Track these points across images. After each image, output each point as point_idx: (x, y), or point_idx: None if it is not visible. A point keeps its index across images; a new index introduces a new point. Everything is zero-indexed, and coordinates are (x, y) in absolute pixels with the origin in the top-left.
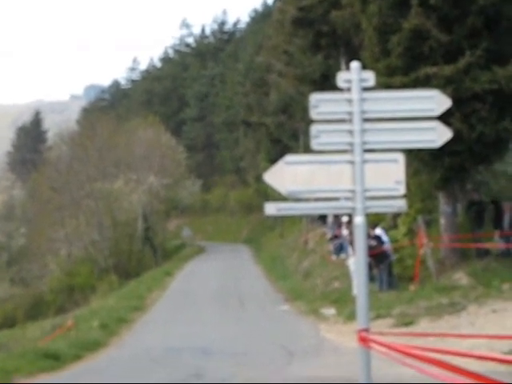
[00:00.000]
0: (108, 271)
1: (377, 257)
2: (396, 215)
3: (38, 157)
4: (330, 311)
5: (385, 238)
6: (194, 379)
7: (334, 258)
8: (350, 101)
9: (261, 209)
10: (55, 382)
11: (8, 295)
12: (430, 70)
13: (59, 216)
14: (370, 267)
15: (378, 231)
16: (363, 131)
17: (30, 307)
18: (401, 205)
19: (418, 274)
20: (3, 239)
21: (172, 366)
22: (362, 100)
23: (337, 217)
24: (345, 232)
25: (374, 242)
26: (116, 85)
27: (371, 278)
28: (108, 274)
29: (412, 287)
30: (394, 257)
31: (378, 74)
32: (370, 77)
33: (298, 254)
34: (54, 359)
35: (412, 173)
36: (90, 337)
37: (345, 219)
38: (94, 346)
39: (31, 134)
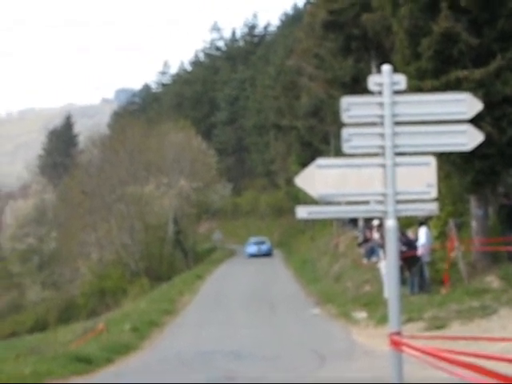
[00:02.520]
0: (139, 275)
1: (408, 260)
2: (427, 218)
3: (69, 161)
4: (361, 315)
5: (426, 238)
6: (226, 382)
7: (365, 261)
8: (381, 104)
9: (291, 212)
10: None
11: (40, 299)
12: (461, 73)
13: (90, 220)
14: (402, 270)
15: (423, 231)
16: (394, 134)
17: (61, 311)
18: (432, 208)
19: (449, 278)
20: (35, 243)
21: (203, 370)
22: (394, 103)
23: (367, 220)
24: (376, 235)
25: (404, 248)
26: (147, 88)
27: (403, 281)
28: (139, 277)
29: (443, 290)
30: (428, 258)
31: (409, 77)
32: (401, 80)
33: (329, 257)
34: (86, 363)
35: (443, 176)
36: (122, 340)
37: (375, 223)
38: (125, 349)
39: (62, 137)
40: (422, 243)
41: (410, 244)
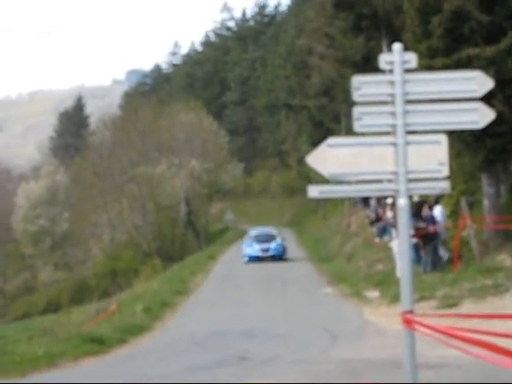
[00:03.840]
0: (151, 255)
1: (424, 238)
2: (438, 197)
3: (80, 142)
4: (374, 294)
5: (441, 217)
6: (238, 361)
7: (377, 240)
8: (392, 83)
9: (303, 192)
10: (100, 365)
11: (52, 280)
12: (472, 51)
13: (102, 201)
14: (418, 248)
15: (438, 209)
16: (406, 113)
17: (73, 292)
18: (444, 186)
19: (460, 256)
20: (47, 224)
21: (216, 350)
22: (405, 82)
23: (380, 199)
24: (389, 214)
25: (423, 224)
26: (157, 69)
27: (419, 260)
28: (151, 258)
29: (454, 269)
30: (443, 236)
31: (420, 55)
32: (412, 58)
33: (341, 236)
34: (99, 343)
35: (454, 154)
36: (134, 321)
37: (389, 201)
38: (138, 330)
39: (73, 119)
40: (438, 221)
41: (430, 221)
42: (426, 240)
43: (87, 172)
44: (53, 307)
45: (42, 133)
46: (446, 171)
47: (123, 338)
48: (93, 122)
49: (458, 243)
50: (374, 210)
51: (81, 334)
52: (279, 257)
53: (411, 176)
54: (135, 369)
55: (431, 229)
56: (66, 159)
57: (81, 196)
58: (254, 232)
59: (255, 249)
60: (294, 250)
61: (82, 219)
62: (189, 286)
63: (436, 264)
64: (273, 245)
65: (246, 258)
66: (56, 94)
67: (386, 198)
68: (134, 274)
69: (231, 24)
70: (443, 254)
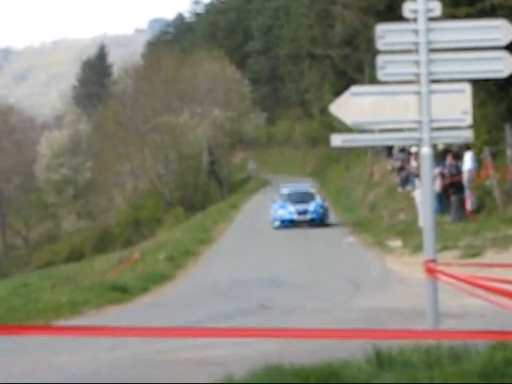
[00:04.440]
0: (174, 204)
1: (452, 186)
2: (462, 146)
3: (103, 91)
4: (396, 243)
5: (472, 164)
6: (261, 310)
7: (399, 189)
8: (416, 31)
9: (326, 141)
10: (123, 313)
11: (75, 229)
12: (496, 0)
13: (125, 150)
14: (441, 198)
15: (468, 156)
16: (430, 62)
17: (96, 240)
18: (467, 135)
19: (482, 206)
20: (69, 173)
21: (239, 299)
22: (429, 30)
23: (403, 149)
24: (413, 163)
25: (454, 170)
26: (180, 18)
27: (442, 209)
28: (174, 207)
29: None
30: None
31: (444, 4)
32: (436, 7)
33: (364, 186)
34: (122, 292)
35: (478, 104)
36: (157, 270)
37: (413, 150)
38: (160, 278)
39: (96, 68)
40: (469, 168)
41: (455, 169)
42: (453, 189)
43: (110, 121)
44: (76, 256)
45: (65, 82)
46: (469, 120)
47: (146, 287)
48: (115, 71)
49: (473, 192)
50: (396, 160)
51: (104, 282)
52: (320, 221)
53: (435, 125)
54: (158, 317)
55: (458, 178)
56: (88, 108)
57: (103, 145)
58: (286, 189)
59: (289, 211)
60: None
61: (105, 168)
62: (211, 235)
63: (461, 214)
64: (312, 206)
65: (276, 223)
66: (79, 43)
67: (410, 147)
68: (157, 223)
69: None
70: (472, 202)
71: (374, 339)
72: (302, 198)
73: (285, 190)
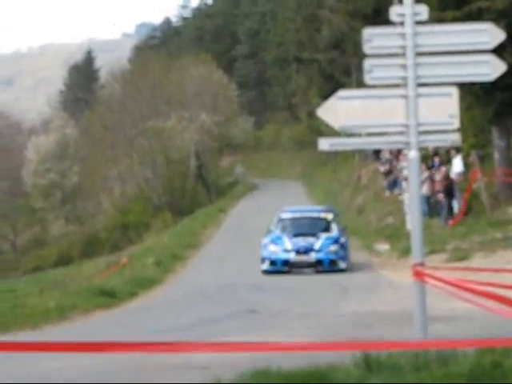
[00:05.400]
0: (162, 209)
1: (449, 188)
2: (449, 150)
3: (90, 95)
4: (384, 247)
5: (462, 167)
6: (248, 315)
7: (387, 193)
8: (403, 35)
9: (313, 145)
10: (111, 318)
11: (63, 234)
12: (483, 3)
13: (112, 154)
14: (429, 201)
15: (458, 160)
16: (417, 65)
17: (84, 245)
18: (455, 139)
19: (469, 209)
20: (57, 178)
21: (226, 303)
22: (416, 34)
23: (391, 152)
24: (404, 164)
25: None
26: (167, 22)
27: (429, 212)
28: (162, 211)
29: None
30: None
31: (431, 7)
32: (423, 10)
33: (351, 189)
34: (110, 296)
35: (465, 107)
36: (145, 274)
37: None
38: (148, 283)
39: (83, 72)
40: (458, 171)
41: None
42: (449, 190)
43: (97, 126)
44: (64, 261)
45: (52, 86)
46: (456, 123)
47: (134, 291)
48: (103, 75)
49: (467, 196)
50: (385, 163)
51: (92, 287)
52: (330, 265)
53: (422, 128)
54: (145, 322)
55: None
56: (75, 113)
57: (91, 150)
58: (287, 213)
59: (284, 247)
60: (304, 203)
61: (93, 173)
62: (199, 239)
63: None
64: (320, 241)
65: (264, 265)
66: (66, 48)
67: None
68: (145, 228)
69: None
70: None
71: (362, 350)
72: (308, 227)
73: (285, 215)
